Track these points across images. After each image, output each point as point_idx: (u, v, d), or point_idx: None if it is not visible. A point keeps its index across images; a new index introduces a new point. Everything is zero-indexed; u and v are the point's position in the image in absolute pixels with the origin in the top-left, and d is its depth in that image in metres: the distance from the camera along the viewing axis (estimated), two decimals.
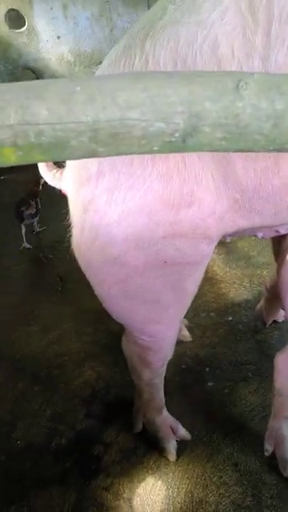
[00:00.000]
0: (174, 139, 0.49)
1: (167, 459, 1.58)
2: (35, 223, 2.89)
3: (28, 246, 2.79)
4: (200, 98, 0.49)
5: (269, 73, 0.83)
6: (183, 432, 1.63)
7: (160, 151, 0.51)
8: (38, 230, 2.92)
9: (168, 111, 0.48)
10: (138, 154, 0.51)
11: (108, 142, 0.48)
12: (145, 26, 1.00)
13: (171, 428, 1.62)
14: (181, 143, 0.50)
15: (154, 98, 0.49)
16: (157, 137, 0.49)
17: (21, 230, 2.77)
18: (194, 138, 0.50)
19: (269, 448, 1.53)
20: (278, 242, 1.55)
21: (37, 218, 2.85)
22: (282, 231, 1.26)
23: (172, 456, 1.59)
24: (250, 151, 0.53)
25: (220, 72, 0.54)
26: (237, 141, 0.51)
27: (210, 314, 2.15)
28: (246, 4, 0.89)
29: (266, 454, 1.53)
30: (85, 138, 0.47)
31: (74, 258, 1.22)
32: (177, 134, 0.49)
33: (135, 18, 3.03)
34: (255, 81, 0.50)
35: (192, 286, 1.26)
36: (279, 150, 0.54)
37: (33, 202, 2.77)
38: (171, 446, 1.60)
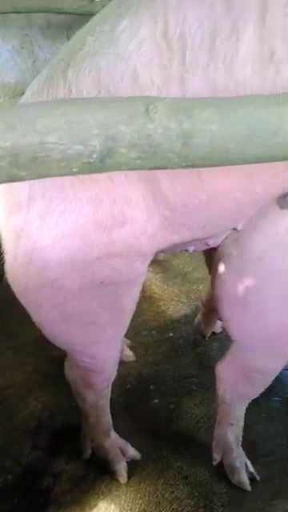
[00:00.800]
0: (92, 160, 0.53)
1: (119, 482, 1.57)
2: None
3: None
4: (114, 121, 0.53)
5: (183, 97, 0.89)
6: (133, 452, 1.63)
7: (79, 172, 0.54)
8: None
9: (85, 134, 0.52)
10: (59, 176, 0.54)
11: (28, 166, 0.50)
12: (65, 57, 1.03)
13: (120, 449, 1.61)
14: (99, 164, 0.53)
15: (71, 122, 0.52)
16: (75, 159, 0.52)
17: None
18: (112, 158, 0.54)
19: (216, 457, 1.56)
20: (210, 255, 1.61)
21: None
22: (212, 244, 1.32)
23: (123, 478, 1.58)
24: (164, 168, 0.58)
25: (132, 97, 0.58)
26: (151, 159, 0.55)
27: (152, 332, 2.18)
28: (160, 34, 0.94)
29: (214, 463, 1.57)
30: (4, 162, 0.50)
31: (9, 285, 1.20)
32: (94, 156, 0.52)
33: (55, 50, 3.08)
34: (164, 104, 0.54)
35: (129, 304, 1.29)
36: (192, 167, 0.59)
37: None
38: (122, 468, 1.59)
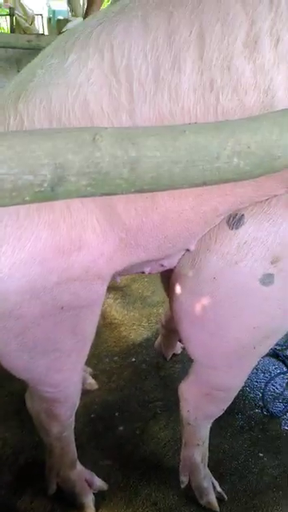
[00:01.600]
0: (43, 189, 0.54)
1: None
2: None
3: None
4: (62, 151, 0.55)
5: (128, 127, 0.93)
6: (99, 483, 1.60)
7: (32, 201, 0.55)
8: None
9: (34, 164, 0.53)
10: (12, 205, 0.55)
11: None
12: (15, 89, 1.05)
13: (87, 481, 1.58)
14: (50, 192, 0.55)
15: (19, 153, 0.54)
16: (26, 188, 0.53)
17: None
18: (62, 186, 0.55)
19: (184, 479, 1.56)
20: (167, 278, 1.64)
21: None
22: (167, 265, 1.35)
23: (91, 511, 1.54)
24: (114, 194, 0.60)
25: (78, 128, 0.61)
26: (101, 186, 0.57)
27: (114, 359, 2.17)
28: (108, 66, 0.98)
29: (182, 485, 1.56)
30: None
31: None
32: (45, 185, 0.54)
33: (6, 83, 3.12)
34: (109, 134, 0.57)
35: (90, 327, 1.29)
36: (140, 192, 0.61)
37: None
38: (89, 501, 1.55)
